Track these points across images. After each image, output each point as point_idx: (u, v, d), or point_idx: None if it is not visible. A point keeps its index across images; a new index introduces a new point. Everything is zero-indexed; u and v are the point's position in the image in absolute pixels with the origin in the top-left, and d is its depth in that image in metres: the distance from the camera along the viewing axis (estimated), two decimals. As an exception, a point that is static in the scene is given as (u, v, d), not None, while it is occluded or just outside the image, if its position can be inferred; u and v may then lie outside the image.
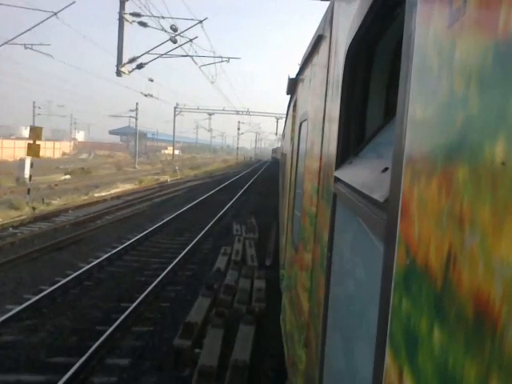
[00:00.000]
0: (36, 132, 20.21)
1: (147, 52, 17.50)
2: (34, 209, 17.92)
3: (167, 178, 37.58)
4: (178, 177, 41.15)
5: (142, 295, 8.60)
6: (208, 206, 21.92)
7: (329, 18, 2.45)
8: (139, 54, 17.04)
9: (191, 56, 20.58)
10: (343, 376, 1.51)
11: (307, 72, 3.80)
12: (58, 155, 76.22)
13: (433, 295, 0.67)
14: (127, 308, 7.92)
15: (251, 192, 29.93)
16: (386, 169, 1.13)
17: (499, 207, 0.50)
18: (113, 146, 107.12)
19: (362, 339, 1.28)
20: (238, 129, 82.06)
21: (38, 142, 20.03)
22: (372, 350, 0.98)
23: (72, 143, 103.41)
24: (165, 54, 18.60)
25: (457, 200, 0.61)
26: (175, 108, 68.78)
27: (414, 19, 0.86)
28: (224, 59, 24.56)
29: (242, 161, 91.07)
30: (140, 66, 17.25)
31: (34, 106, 60.45)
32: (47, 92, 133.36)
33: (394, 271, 0.86)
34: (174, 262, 10.93)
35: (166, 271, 10.21)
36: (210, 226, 16.07)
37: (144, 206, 20.99)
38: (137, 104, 53.72)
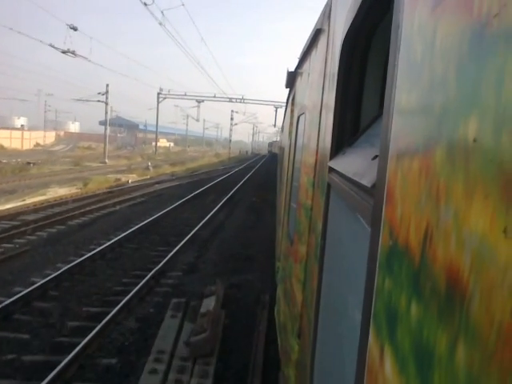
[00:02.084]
0: None
1: None
2: None
3: (130, 178, 28.47)
4: (148, 176, 32.01)
5: None
6: (154, 239, 12.83)
7: (327, 12, 2.50)
8: None
9: None
10: (333, 363, 1.55)
11: (305, 66, 3.81)
12: (28, 146, 67.51)
13: (411, 273, 0.69)
14: None
15: (238, 203, 20.82)
16: (376, 156, 1.13)
17: (470, 181, 0.53)
18: (101, 138, 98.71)
19: (351, 325, 1.29)
20: (231, 118, 71.56)
21: None
22: (358, 334, 1.00)
23: (55, 133, 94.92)
24: None
25: (434, 180, 0.64)
26: (159, 94, 59.63)
27: (401, 6, 0.89)
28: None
29: (237, 155, 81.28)
30: None
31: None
32: (37, 80, 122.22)
33: (379, 253, 0.88)
34: None
35: None
36: (114, 313, 7.01)
37: (35, 239, 11.88)
38: (107, 86, 44.10)
